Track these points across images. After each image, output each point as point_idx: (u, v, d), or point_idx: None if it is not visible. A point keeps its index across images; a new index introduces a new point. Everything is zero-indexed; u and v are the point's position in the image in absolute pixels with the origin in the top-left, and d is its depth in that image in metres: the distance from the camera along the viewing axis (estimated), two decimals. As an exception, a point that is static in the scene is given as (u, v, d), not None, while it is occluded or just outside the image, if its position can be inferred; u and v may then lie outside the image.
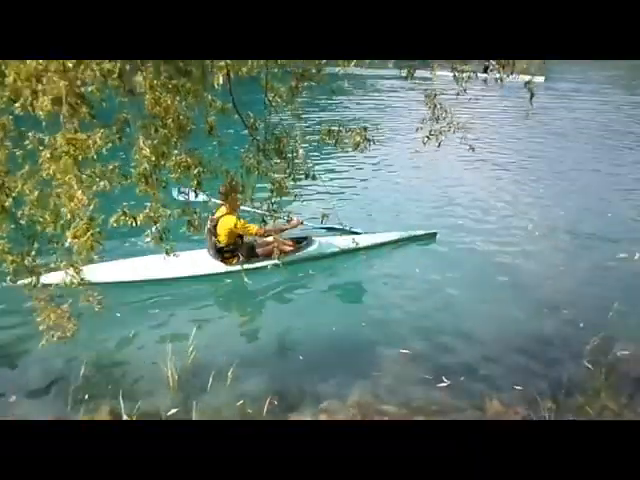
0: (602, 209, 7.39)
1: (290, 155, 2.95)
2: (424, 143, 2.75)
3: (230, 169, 2.86)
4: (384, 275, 5.49)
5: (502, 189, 8.14)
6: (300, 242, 5.60)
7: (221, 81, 2.66)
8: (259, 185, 2.94)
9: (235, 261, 5.23)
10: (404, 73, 2.73)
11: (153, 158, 2.57)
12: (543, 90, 17.36)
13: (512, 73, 2.45)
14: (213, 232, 5.16)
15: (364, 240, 5.64)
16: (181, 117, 2.65)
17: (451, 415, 3.40)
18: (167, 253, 2.40)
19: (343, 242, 5.56)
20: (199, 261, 5.19)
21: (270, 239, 5.18)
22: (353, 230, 5.70)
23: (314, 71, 2.93)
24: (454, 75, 2.77)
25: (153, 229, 2.33)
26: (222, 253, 5.22)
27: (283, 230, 5.15)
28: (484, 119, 13.10)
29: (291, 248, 5.49)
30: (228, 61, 2.49)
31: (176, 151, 2.63)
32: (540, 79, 20.41)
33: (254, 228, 4.93)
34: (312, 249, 5.57)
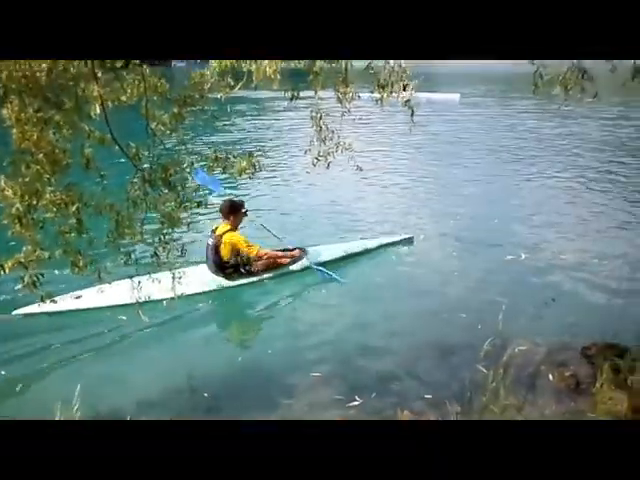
0: (489, 217, 7.83)
1: (179, 184, 2.84)
2: (314, 165, 2.76)
3: (115, 202, 2.70)
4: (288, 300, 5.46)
5: (400, 202, 8.48)
6: (295, 253, 5.84)
7: (98, 110, 2.52)
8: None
9: (237, 276, 5.40)
10: (288, 95, 2.74)
11: (26, 197, 2.37)
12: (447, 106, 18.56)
13: (392, 93, 2.54)
14: (215, 249, 5.28)
15: (348, 249, 6.18)
16: (56, 151, 2.47)
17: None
18: (42, 300, 2.20)
19: (331, 253, 6.02)
20: (202, 278, 5.25)
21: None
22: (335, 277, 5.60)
23: (197, 96, 2.86)
24: (337, 96, 2.82)
25: (26, 277, 2.13)
26: (224, 269, 5.34)
27: (279, 257, 5.65)
28: (380, 135, 13.72)
29: (288, 260, 5.73)
30: (101, 90, 2.37)
31: (51, 188, 2.44)
32: (455, 96, 21.77)
33: (255, 249, 5.35)
34: (305, 260, 5.77)
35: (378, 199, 8.58)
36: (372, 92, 2.67)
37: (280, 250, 5.82)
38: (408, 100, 2.54)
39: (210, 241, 5.31)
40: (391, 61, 2.54)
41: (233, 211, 5.30)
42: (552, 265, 6.13)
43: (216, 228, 5.35)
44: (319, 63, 2.67)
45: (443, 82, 34.82)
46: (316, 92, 2.74)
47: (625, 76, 3.18)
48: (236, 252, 5.32)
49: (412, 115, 2.60)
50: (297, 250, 5.80)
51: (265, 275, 5.53)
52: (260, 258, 5.48)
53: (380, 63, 2.69)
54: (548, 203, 8.59)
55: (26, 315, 4.67)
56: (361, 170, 2.97)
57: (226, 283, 5.31)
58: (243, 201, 5.55)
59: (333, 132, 2.77)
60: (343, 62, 2.73)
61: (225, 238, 5.25)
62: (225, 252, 5.29)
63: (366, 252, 6.27)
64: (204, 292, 5.21)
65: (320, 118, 2.75)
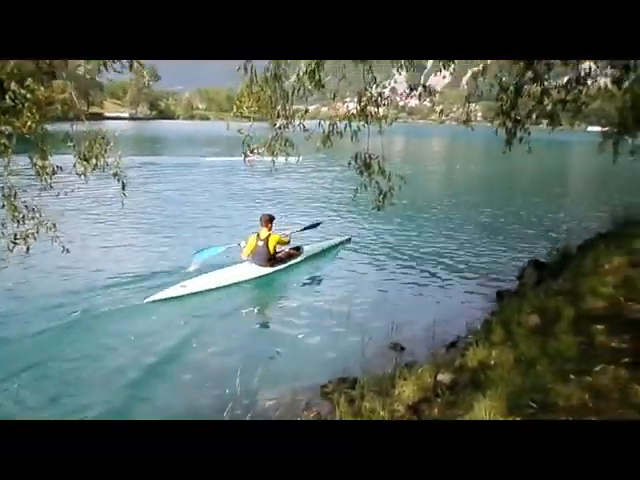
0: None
1: None
2: (10, 250, 2.37)
3: None
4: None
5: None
6: (298, 249, 8.73)
7: None
8: None
9: (276, 264, 8.06)
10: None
11: None
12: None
13: (96, 166, 2.37)
14: (267, 247, 7.83)
15: (313, 248, 9.13)
16: None
17: None
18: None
19: (311, 249, 9.06)
20: (249, 270, 7.80)
21: (285, 249, 8.44)
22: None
23: None
24: (37, 171, 2.52)
25: None
26: (270, 260, 7.92)
27: (292, 253, 8.61)
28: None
29: (296, 253, 8.63)
30: None
31: None
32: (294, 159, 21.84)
33: (287, 239, 8.28)
34: (304, 253, 8.76)
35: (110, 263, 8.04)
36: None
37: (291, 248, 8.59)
38: (116, 174, 2.39)
39: (260, 243, 7.83)
40: (92, 132, 2.39)
41: (270, 221, 7.94)
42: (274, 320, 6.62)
43: (258, 235, 7.90)
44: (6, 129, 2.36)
45: (169, 146, 35.53)
46: (7, 166, 2.40)
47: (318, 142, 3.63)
48: (277, 246, 7.96)
49: (123, 188, 2.46)
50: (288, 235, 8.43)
51: (287, 264, 8.31)
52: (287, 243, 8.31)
53: (83, 127, 2.52)
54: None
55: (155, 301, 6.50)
56: (68, 252, 2.66)
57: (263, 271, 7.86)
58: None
59: (33, 210, 2.44)
60: (40, 128, 2.46)
61: (271, 237, 7.87)
62: (272, 247, 7.87)
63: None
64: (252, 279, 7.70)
65: (14, 196, 2.39)
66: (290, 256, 8.49)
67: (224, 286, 7.21)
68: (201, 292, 6.92)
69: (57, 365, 4.99)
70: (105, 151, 2.31)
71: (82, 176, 2.34)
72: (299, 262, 8.58)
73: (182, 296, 6.69)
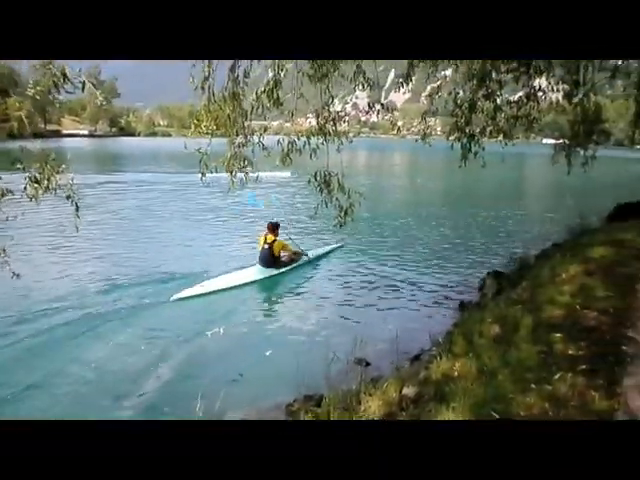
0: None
1: None
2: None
3: None
4: None
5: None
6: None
7: None
8: None
9: (280, 266, 9.15)
10: None
11: None
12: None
13: (48, 188, 2.31)
14: (270, 250, 8.95)
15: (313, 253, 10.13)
16: None
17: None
18: None
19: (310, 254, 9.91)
20: (255, 271, 8.91)
21: (287, 253, 9.43)
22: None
23: None
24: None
25: None
26: (275, 262, 9.04)
27: (295, 256, 9.58)
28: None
29: (297, 256, 9.61)
30: None
31: None
32: (287, 173, 21.29)
33: (291, 247, 9.50)
34: (304, 257, 9.73)
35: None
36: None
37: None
38: (69, 196, 2.33)
39: (266, 246, 8.93)
40: (44, 151, 2.33)
41: (277, 228, 9.11)
42: (250, 333, 6.54)
43: (265, 240, 8.99)
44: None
45: (130, 162, 35.11)
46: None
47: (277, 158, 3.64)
48: (281, 250, 9.06)
49: (77, 210, 2.40)
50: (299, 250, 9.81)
51: (290, 266, 9.36)
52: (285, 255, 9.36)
53: (34, 145, 2.45)
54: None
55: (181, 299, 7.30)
56: (19, 277, 2.58)
57: (269, 273, 8.95)
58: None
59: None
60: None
61: (276, 242, 8.99)
62: (277, 251, 9.00)
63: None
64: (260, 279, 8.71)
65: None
66: (292, 260, 9.52)
67: (235, 286, 8.16)
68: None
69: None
70: (57, 172, 2.25)
71: (33, 199, 2.26)
72: (295, 267, 9.46)
73: (204, 294, 7.58)
